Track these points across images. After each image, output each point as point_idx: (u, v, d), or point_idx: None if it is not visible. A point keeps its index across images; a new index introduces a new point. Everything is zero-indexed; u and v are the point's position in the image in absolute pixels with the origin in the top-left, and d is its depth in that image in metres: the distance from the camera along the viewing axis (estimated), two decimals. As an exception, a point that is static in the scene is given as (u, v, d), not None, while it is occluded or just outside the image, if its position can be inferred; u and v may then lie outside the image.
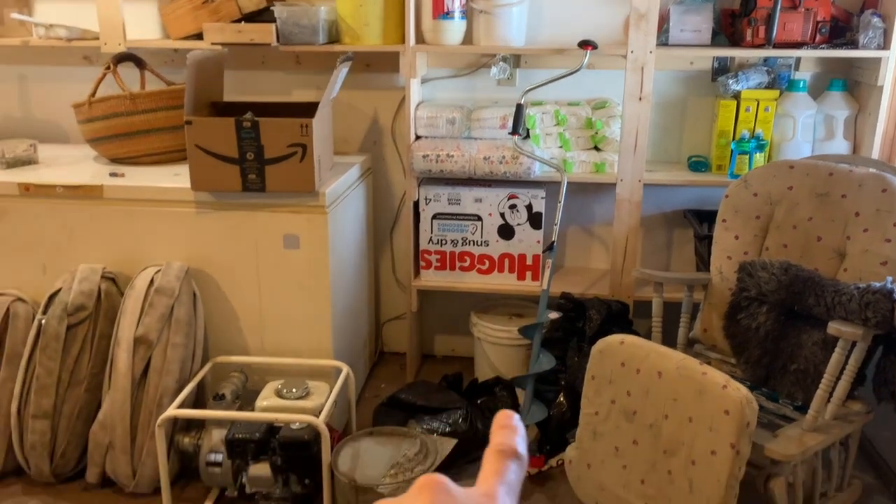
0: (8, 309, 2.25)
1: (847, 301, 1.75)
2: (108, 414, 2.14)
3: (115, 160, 2.53)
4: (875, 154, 2.38)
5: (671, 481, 1.70)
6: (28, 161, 2.49)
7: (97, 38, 2.61)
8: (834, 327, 1.73)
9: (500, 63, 2.63)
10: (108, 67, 2.53)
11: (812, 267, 1.99)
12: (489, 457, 0.50)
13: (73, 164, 2.52)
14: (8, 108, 2.97)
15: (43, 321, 2.16)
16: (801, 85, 2.47)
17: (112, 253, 2.30)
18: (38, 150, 2.53)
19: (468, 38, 2.54)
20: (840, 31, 2.41)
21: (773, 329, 1.97)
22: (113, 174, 2.35)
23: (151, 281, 2.19)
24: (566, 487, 2.21)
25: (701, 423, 1.64)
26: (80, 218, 2.29)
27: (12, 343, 2.23)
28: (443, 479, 0.46)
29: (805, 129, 2.48)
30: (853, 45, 2.35)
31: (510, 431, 0.51)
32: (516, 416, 0.53)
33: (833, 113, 2.48)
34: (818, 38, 2.36)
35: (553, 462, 2.36)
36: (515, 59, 2.68)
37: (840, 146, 2.49)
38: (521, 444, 0.51)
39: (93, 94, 2.48)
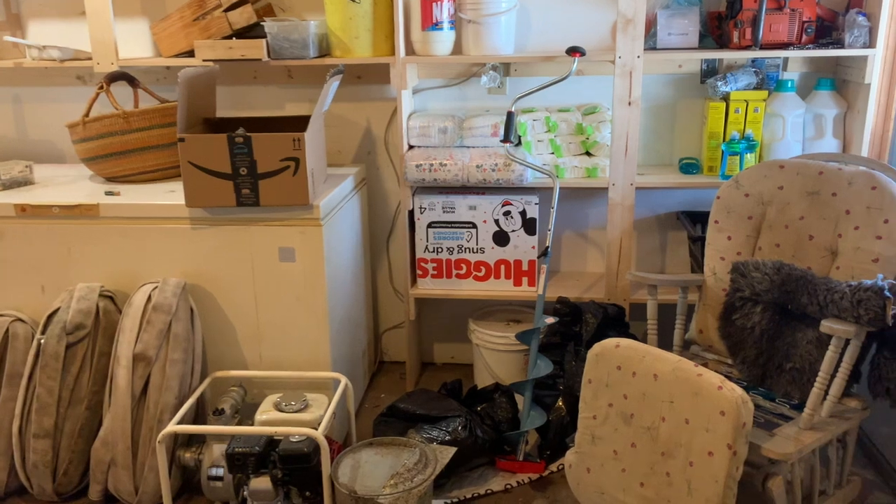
0: (7, 329, 2.26)
1: (839, 299, 1.76)
2: (110, 431, 2.15)
3: (111, 179, 2.55)
4: (864, 151, 2.40)
5: (670, 483, 1.71)
6: (24, 182, 2.51)
7: (90, 58, 2.63)
8: (827, 325, 1.74)
9: (490, 72, 2.64)
10: (102, 87, 2.55)
11: (805, 266, 2.00)
12: None
13: (69, 184, 2.53)
14: (3, 129, 2.99)
15: (42, 341, 2.17)
16: (790, 85, 2.49)
17: (109, 271, 2.32)
18: (33, 170, 2.55)
19: (458, 49, 2.56)
20: (826, 31, 2.43)
21: (768, 328, 1.98)
22: (108, 193, 2.37)
23: (149, 298, 2.21)
24: (567, 492, 2.22)
25: (697, 424, 1.65)
26: (77, 237, 2.30)
27: (12, 363, 2.24)
28: None
29: (795, 129, 2.50)
30: (839, 44, 2.37)
31: None
32: None
33: (822, 112, 2.49)
34: (804, 38, 2.37)
35: (553, 467, 2.37)
36: (505, 68, 2.70)
37: (830, 145, 2.50)
38: None
39: (86, 114, 2.49)
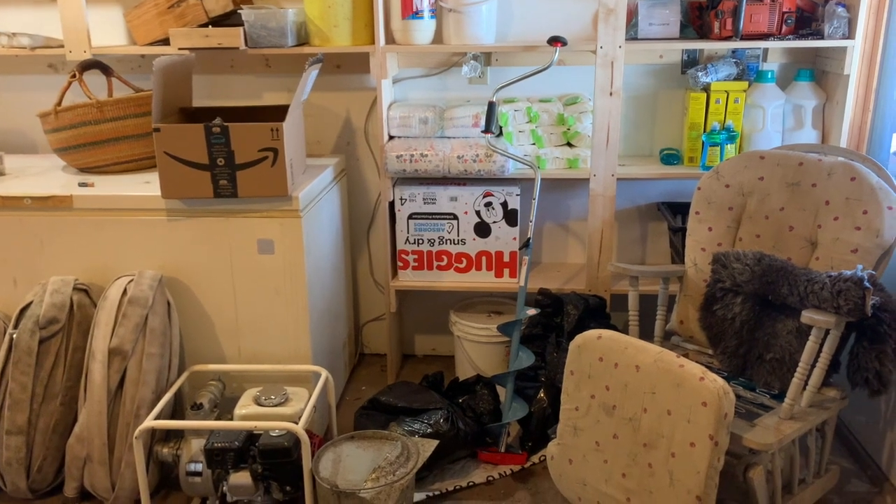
0: (-22, 324, 2.21)
1: (819, 290, 1.77)
2: (85, 427, 2.11)
3: (84, 169, 2.50)
4: (843, 142, 2.41)
5: (652, 474, 1.71)
6: (-6, 173, 2.45)
7: (62, 46, 2.57)
8: (807, 316, 1.75)
9: (471, 61, 2.62)
10: (74, 75, 2.49)
11: (785, 256, 2.01)
12: None
13: (42, 175, 2.48)
14: (-28, 119, 2.92)
15: (14, 335, 2.13)
16: (770, 76, 2.50)
17: (84, 264, 2.27)
18: (4, 161, 2.49)
19: (438, 38, 2.53)
20: (806, 22, 2.44)
21: (749, 319, 1.99)
22: (82, 184, 2.32)
23: (125, 291, 2.16)
24: (549, 484, 2.22)
25: (679, 415, 1.65)
26: (51, 229, 2.25)
27: (-16, 359, 2.19)
28: None
29: (774, 120, 2.50)
30: (819, 34, 2.38)
31: None
32: None
33: (801, 103, 2.50)
34: (784, 28, 2.38)
35: (535, 458, 2.37)
36: (486, 58, 2.67)
37: (809, 135, 2.51)
38: None
39: (59, 103, 2.44)
